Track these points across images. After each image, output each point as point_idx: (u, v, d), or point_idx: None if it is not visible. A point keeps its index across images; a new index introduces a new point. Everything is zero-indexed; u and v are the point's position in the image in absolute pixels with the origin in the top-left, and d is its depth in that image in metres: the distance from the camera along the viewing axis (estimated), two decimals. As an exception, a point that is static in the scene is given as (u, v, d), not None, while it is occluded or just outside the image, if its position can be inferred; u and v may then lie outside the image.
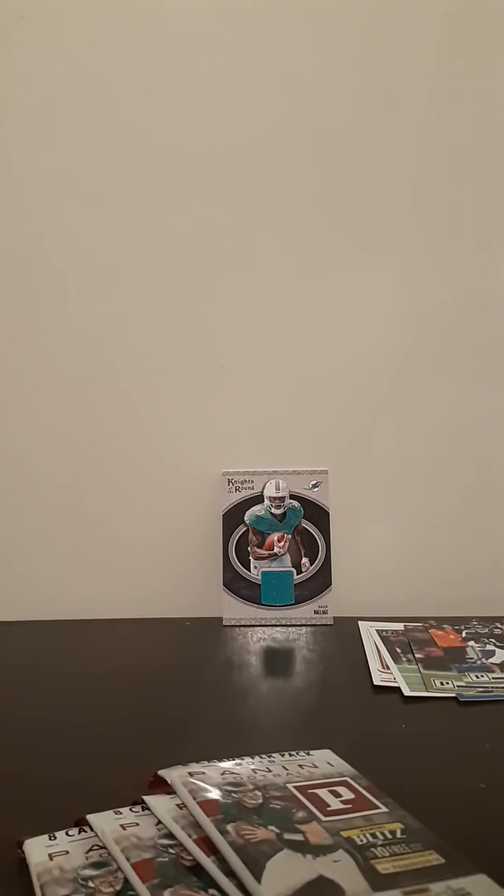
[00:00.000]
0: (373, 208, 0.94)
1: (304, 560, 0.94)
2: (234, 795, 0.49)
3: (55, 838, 0.48)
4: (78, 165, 0.94)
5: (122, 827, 0.47)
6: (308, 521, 0.94)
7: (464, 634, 0.86)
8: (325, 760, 0.56)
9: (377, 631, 0.88)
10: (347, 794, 0.50)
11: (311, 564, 0.93)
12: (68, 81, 0.93)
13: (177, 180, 0.94)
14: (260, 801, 0.49)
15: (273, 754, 0.57)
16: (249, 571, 0.93)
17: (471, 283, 0.95)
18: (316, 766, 0.55)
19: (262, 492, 0.95)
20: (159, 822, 0.48)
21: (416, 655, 0.80)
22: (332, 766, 0.55)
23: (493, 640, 0.84)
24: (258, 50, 0.93)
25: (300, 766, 0.55)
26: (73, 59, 0.93)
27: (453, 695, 0.71)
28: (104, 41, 0.93)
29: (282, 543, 0.94)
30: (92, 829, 0.48)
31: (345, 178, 0.94)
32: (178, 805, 0.48)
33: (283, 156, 0.94)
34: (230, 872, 0.41)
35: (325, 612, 0.92)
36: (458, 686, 0.73)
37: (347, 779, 0.53)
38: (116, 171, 0.94)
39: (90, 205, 0.94)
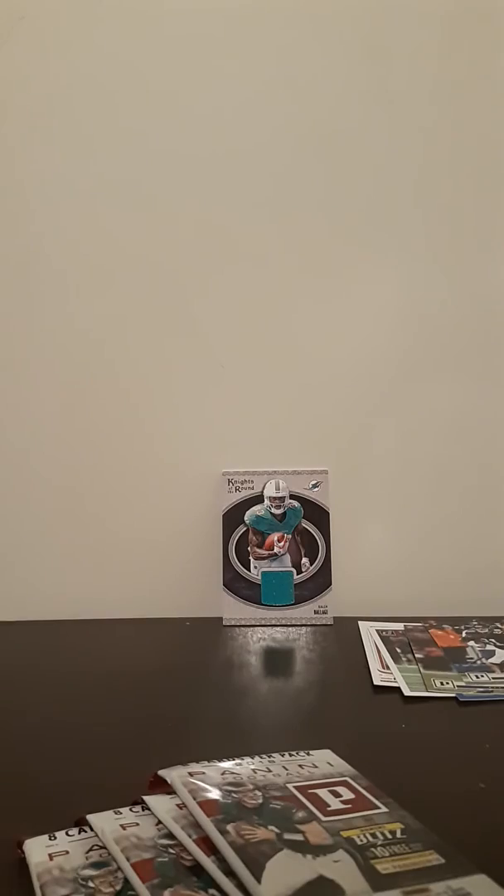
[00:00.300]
0: (373, 208, 0.95)
1: (304, 560, 0.94)
2: (234, 795, 0.49)
3: (55, 838, 0.48)
4: (78, 165, 0.94)
5: (122, 827, 0.47)
6: (308, 521, 0.94)
7: (464, 634, 0.86)
8: (325, 760, 0.56)
9: (377, 631, 0.87)
10: (347, 794, 0.50)
11: (311, 564, 0.93)
12: (68, 81, 0.93)
13: (177, 180, 0.94)
14: (260, 801, 0.49)
15: (273, 754, 0.57)
16: (249, 571, 0.93)
17: (471, 283, 0.95)
18: (316, 766, 0.55)
19: (262, 492, 0.95)
20: (159, 822, 0.48)
21: (416, 655, 0.80)
22: (332, 766, 0.55)
23: (493, 640, 0.84)
24: (258, 50, 0.93)
25: (300, 766, 0.55)
26: (73, 59, 0.93)
27: (453, 695, 0.71)
28: (104, 41, 0.93)
29: (282, 543, 0.94)
30: (92, 829, 0.48)
31: (345, 178, 0.94)
32: (178, 805, 0.48)
33: (283, 156, 0.94)
34: (230, 872, 0.41)
35: (325, 612, 0.92)
36: (458, 686, 0.73)
37: (347, 779, 0.53)
38: (116, 171, 0.94)
39: (90, 205, 0.94)
